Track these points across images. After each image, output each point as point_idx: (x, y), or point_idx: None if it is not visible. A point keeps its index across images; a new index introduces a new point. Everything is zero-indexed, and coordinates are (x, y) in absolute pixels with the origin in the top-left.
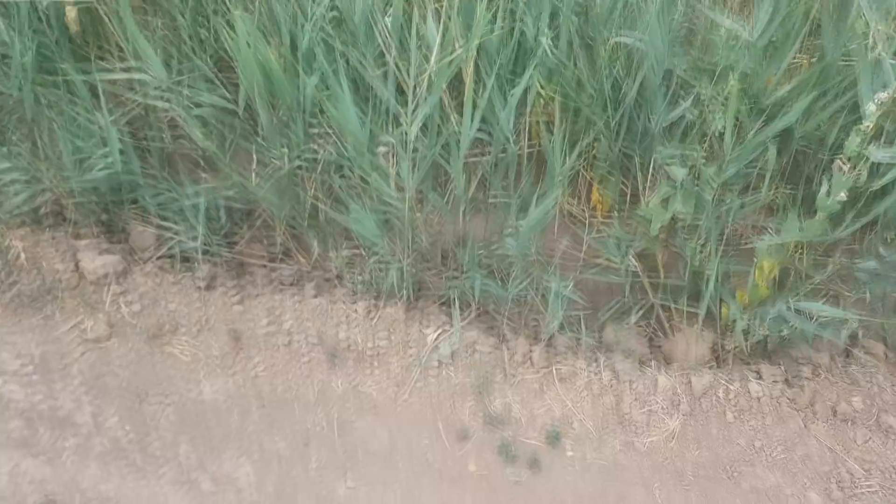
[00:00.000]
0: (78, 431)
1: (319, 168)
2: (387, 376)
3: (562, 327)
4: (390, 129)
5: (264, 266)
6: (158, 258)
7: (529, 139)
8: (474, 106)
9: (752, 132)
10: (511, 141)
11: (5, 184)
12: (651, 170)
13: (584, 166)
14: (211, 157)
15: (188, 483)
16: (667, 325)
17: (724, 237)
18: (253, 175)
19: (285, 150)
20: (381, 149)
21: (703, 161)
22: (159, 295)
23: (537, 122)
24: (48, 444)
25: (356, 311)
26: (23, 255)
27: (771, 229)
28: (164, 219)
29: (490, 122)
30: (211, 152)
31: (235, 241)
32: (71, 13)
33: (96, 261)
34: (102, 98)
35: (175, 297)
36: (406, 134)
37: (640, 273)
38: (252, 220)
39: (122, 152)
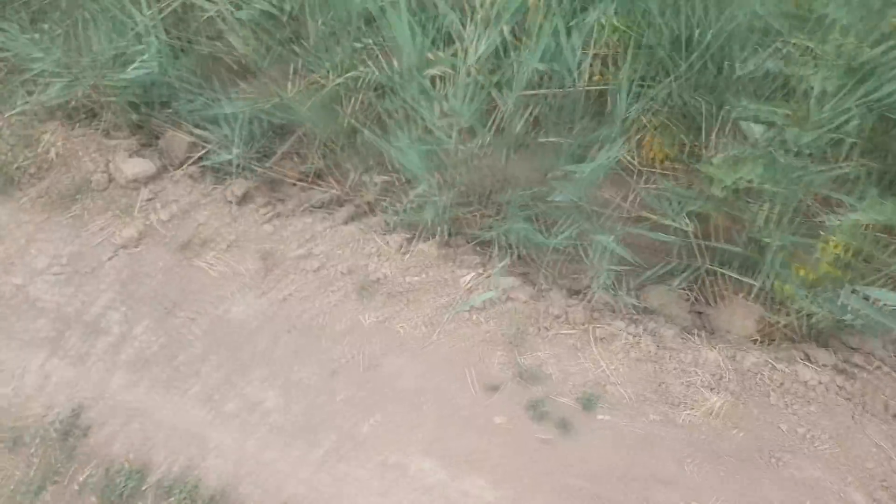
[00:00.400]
0: (105, 337)
1: (364, 88)
2: (417, 315)
3: (603, 284)
4: (446, 52)
5: (295, 185)
6: (190, 165)
7: (591, 78)
8: (540, 34)
9: (841, 93)
10: (574, 77)
11: (38, 74)
12: (719, 124)
13: (644, 112)
14: (250, 65)
15: (213, 401)
16: (713, 293)
17: (794, 207)
18: (291, 87)
19: (329, 64)
20: (434, 71)
21: (786, 120)
22: (189, 206)
23: (603, 61)
24: (75, 346)
25: (389, 244)
26: (53, 150)
27: (846, 205)
28: (198, 127)
29: (553, 56)
30: (250, 60)
31: (269, 157)
32: None
33: (127, 163)
34: None
35: (205, 209)
36: (465, 58)
37: (692, 234)
38: (287, 137)
39: (158, 52)
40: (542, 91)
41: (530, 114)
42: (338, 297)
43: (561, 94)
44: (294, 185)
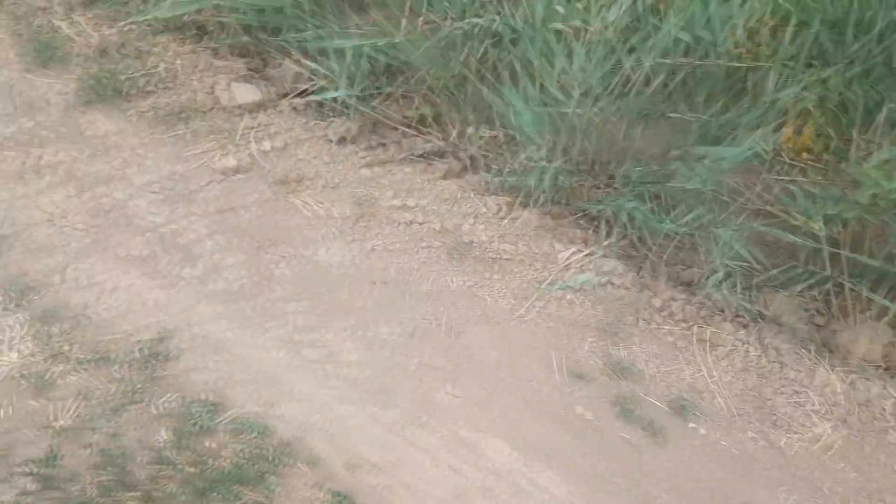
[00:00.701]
0: (196, 264)
1: (482, 36)
2: (507, 286)
3: (716, 281)
4: (577, 8)
5: (397, 129)
6: (295, 97)
7: (737, 54)
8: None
9: None
10: (718, 50)
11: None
12: (879, 121)
13: (794, 98)
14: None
15: (293, 344)
16: (839, 308)
17: None
18: (404, 27)
19: (448, 5)
20: (560, 25)
21: None
22: (290, 140)
23: (752, 36)
24: (166, 269)
25: (487, 205)
26: (162, 66)
27: None
28: (307, 58)
29: (698, 25)
30: None
31: (374, 97)
32: None
33: (234, 88)
34: None
35: (305, 145)
36: (598, 15)
37: (824, 240)
38: (395, 78)
39: None
40: (680, 61)
41: (662, 84)
42: (427, 255)
43: (700, 67)
44: (396, 129)
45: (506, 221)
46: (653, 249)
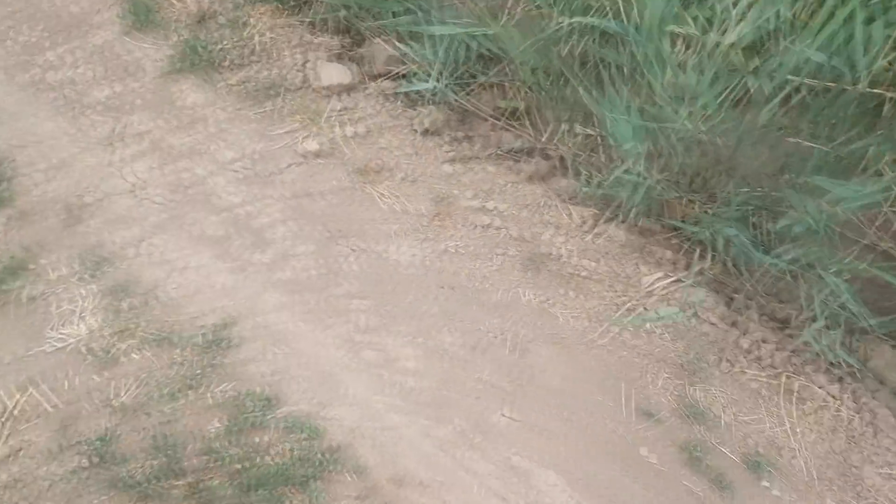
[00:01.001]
0: (267, 250)
1: (587, 34)
2: (582, 306)
3: (816, 328)
4: (699, 17)
5: (487, 120)
6: (385, 80)
7: (874, 85)
8: (829, 18)
9: None
10: (857, 75)
11: None
12: None
13: None
14: None
15: (354, 344)
16: None
17: None
18: (503, 17)
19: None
20: (677, 28)
21: None
22: (375, 126)
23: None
24: (238, 253)
25: (572, 216)
26: (257, 38)
27: None
28: (402, 41)
29: (836, 48)
30: None
31: (467, 85)
32: None
33: (325, 68)
34: None
35: (389, 133)
36: (721, 29)
37: None
38: (491, 67)
39: None
40: (807, 82)
41: (785, 105)
42: (500, 263)
43: (830, 90)
44: (485, 120)
45: (590, 236)
46: (749, 282)
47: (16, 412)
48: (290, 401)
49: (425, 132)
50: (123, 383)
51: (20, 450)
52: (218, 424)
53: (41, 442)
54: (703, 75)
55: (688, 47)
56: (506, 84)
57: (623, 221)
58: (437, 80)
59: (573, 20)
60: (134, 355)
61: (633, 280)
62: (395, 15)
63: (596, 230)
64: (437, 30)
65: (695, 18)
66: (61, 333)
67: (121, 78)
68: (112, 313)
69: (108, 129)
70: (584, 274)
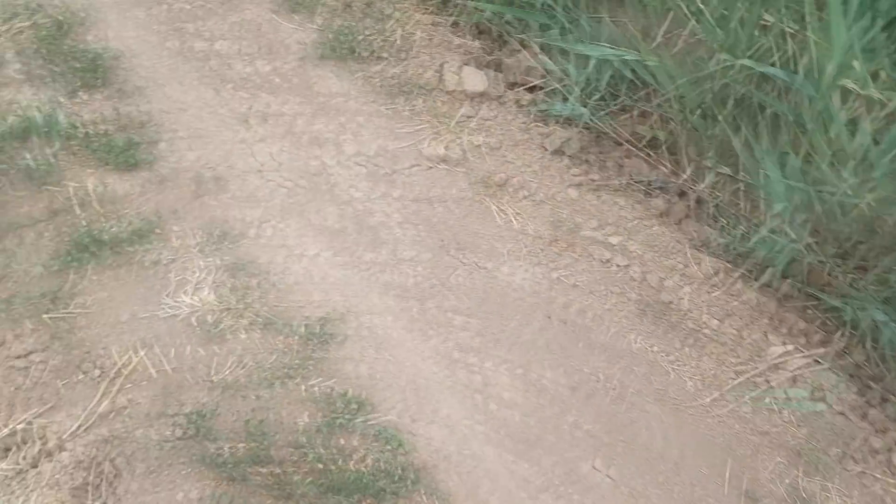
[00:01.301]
0: (378, 250)
1: (749, 74)
2: (698, 367)
3: None
4: (882, 76)
5: (622, 144)
6: (521, 89)
7: None
8: None
9: None
10: None
11: None
12: None
13: None
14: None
15: (450, 361)
16: None
17: None
18: (658, 40)
19: (722, 35)
20: (850, 83)
21: None
22: (504, 137)
23: None
24: (350, 248)
25: (701, 265)
26: (399, 32)
27: None
28: (544, 51)
29: None
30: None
31: (605, 106)
32: None
33: (462, 72)
34: None
35: (517, 147)
36: None
37: None
38: (635, 93)
39: None
40: None
41: None
42: (615, 303)
43: None
44: (621, 144)
45: (718, 291)
46: (891, 374)
47: (124, 371)
48: (380, 408)
49: (556, 152)
50: (224, 362)
51: (124, 408)
52: (308, 419)
53: (142, 404)
54: (879, 143)
55: (868, 110)
56: (648, 110)
57: (756, 279)
58: (578, 101)
59: (739, 62)
60: (240, 334)
61: (759, 349)
62: (542, 27)
63: (726, 287)
64: (586, 49)
65: (874, 76)
66: (176, 301)
67: (264, 55)
68: (226, 289)
69: (246, 106)
70: (705, 331)
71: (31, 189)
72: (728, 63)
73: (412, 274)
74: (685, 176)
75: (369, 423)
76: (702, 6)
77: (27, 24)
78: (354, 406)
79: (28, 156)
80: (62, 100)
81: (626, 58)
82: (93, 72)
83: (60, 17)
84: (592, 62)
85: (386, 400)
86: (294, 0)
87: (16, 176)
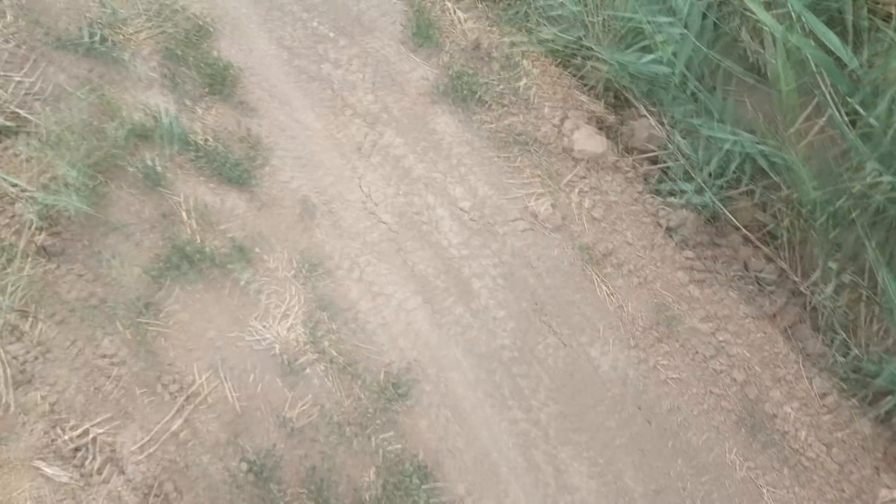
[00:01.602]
0: (469, 303)
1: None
2: (796, 495)
3: None
4: None
5: (739, 229)
6: (639, 156)
7: None
8: None
9: None
10: None
11: (554, 14)
12: None
13: None
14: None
15: (525, 438)
16: None
17: None
18: (792, 132)
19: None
20: None
21: None
22: (615, 205)
23: None
24: (439, 297)
25: (812, 381)
26: (525, 80)
27: None
28: (670, 123)
29: None
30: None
31: (728, 189)
32: None
33: (581, 131)
34: None
35: (628, 218)
36: None
37: None
38: (760, 181)
39: (680, 42)
40: None
41: None
42: (712, 406)
43: None
44: (738, 229)
45: (828, 416)
46: None
47: (202, 391)
48: (447, 477)
49: (669, 230)
50: (300, 399)
51: (196, 430)
52: (373, 477)
53: (214, 430)
54: None
55: None
56: (774, 201)
57: (872, 407)
58: (701, 180)
59: (888, 179)
60: (319, 373)
61: (866, 487)
62: (674, 99)
63: (836, 413)
64: (719, 133)
65: None
66: (263, 325)
67: (387, 85)
68: (312, 323)
69: (362, 134)
70: (809, 456)
71: (144, 189)
72: (877, 177)
73: (500, 336)
74: (804, 281)
75: (434, 494)
76: (858, 110)
77: (169, 23)
78: (421, 473)
79: (148, 155)
80: (188, 103)
81: (761, 148)
82: (221, 80)
83: (200, 22)
84: (723, 146)
85: (453, 469)
86: (422, 34)
87: (133, 174)
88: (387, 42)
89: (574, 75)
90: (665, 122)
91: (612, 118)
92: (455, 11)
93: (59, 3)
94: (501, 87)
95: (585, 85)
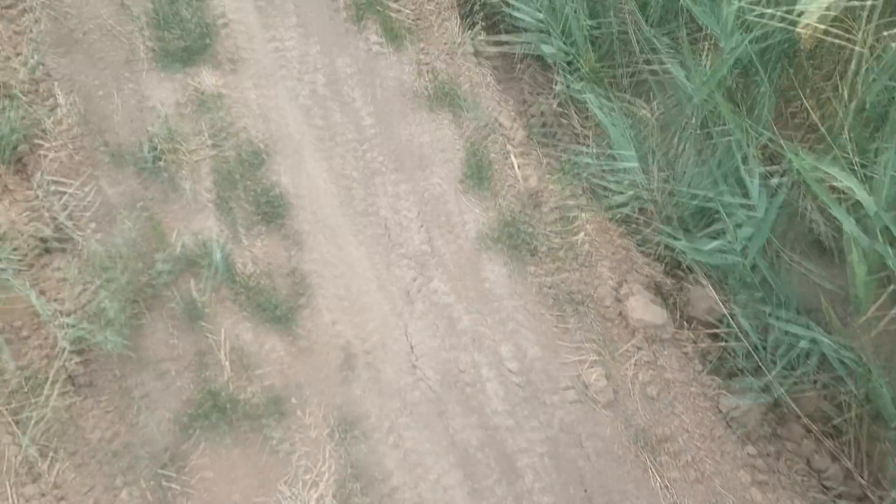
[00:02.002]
0: (512, 484)
1: None
2: None
3: None
4: None
5: (800, 418)
6: (700, 327)
7: None
8: None
9: None
10: None
11: (614, 179)
12: None
13: None
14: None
15: None
16: None
17: None
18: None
19: None
20: None
21: None
22: (673, 384)
23: None
24: (481, 474)
25: None
26: (581, 236)
27: None
28: (735, 301)
29: None
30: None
31: (793, 376)
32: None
33: (638, 299)
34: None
35: (688, 399)
36: None
37: None
38: (830, 373)
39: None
40: None
41: None
42: None
43: None
44: (800, 418)
45: None
46: None
47: None
48: None
49: (731, 419)
50: None
51: None
52: None
53: None
54: None
55: None
56: (843, 395)
57: None
58: (765, 370)
59: None
60: None
61: None
62: (741, 281)
63: None
64: (788, 326)
65: None
66: (291, 491)
67: (441, 227)
68: (343, 494)
69: (410, 278)
70: None
71: (183, 323)
72: None
73: None
74: (878, 492)
75: None
76: None
77: (229, 143)
78: None
79: (192, 287)
80: (239, 230)
81: (830, 343)
82: (273, 209)
83: (261, 145)
84: (796, 343)
85: None
86: (478, 175)
87: (175, 305)
88: (445, 181)
89: (633, 235)
90: (728, 297)
91: (669, 282)
92: (512, 156)
93: (119, 113)
94: (557, 239)
95: (648, 247)
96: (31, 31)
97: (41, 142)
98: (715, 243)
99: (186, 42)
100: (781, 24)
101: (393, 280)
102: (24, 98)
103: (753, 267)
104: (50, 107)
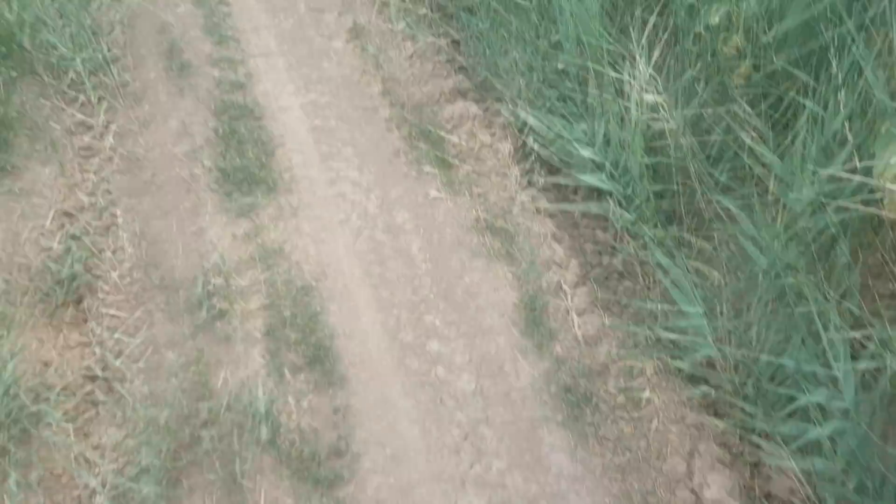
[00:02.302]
0: None
1: None
2: None
3: None
4: None
5: None
6: None
7: None
8: None
9: None
10: None
11: (684, 340)
12: None
13: None
14: None
15: None
16: None
17: None
18: None
19: None
20: None
21: None
22: None
23: None
24: None
25: None
26: (647, 394)
27: None
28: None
29: None
30: None
31: None
32: None
33: (711, 474)
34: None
35: None
36: None
37: None
38: None
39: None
40: None
41: None
42: None
43: None
44: None
45: None
46: None
47: None
48: None
49: None
50: None
51: None
52: None
53: None
54: None
55: None
56: None
57: None
58: None
59: None
60: None
61: None
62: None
63: None
64: None
65: None
66: None
67: (499, 397)
68: None
69: (467, 465)
70: None
71: (222, 483)
72: None
73: None
74: None
75: None
76: None
77: (283, 292)
78: None
79: (235, 444)
80: (287, 379)
81: None
82: (322, 357)
83: (318, 307)
84: None
85: None
86: (536, 335)
87: (217, 460)
88: (504, 343)
89: (702, 397)
90: (814, 482)
91: (745, 449)
92: (572, 313)
93: (178, 258)
94: (621, 397)
95: (716, 403)
96: (104, 173)
97: (102, 284)
98: (800, 441)
99: (252, 197)
100: (866, 209)
101: (444, 459)
102: (87, 240)
103: (846, 471)
104: (112, 249)
